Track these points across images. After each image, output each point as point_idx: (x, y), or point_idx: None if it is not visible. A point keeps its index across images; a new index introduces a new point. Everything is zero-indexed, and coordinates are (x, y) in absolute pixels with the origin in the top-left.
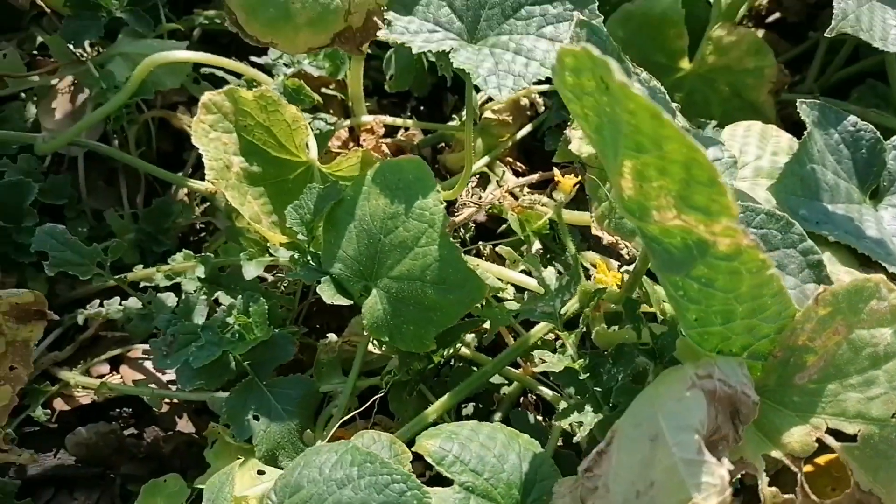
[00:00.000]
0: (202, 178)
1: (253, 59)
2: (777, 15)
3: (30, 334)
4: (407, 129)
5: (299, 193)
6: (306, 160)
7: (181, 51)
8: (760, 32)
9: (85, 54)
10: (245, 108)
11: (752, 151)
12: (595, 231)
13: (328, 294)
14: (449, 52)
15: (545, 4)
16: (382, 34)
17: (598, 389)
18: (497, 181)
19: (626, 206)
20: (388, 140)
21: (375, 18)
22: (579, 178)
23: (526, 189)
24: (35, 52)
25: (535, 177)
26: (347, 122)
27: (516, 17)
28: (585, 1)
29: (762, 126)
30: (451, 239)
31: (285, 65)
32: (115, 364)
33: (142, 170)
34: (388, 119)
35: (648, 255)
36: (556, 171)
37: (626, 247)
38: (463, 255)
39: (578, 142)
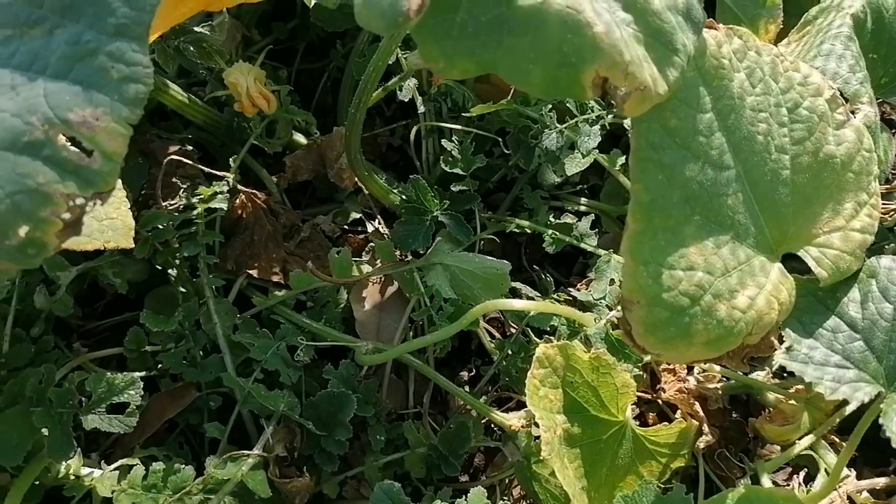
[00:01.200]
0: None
1: (573, 293)
2: None
3: None
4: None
5: (610, 454)
6: (622, 420)
7: (517, 300)
8: None
9: (407, 257)
10: (575, 366)
11: None
12: None
13: None
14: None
15: None
16: (781, 359)
17: None
18: (833, 479)
19: None
20: (691, 383)
21: (772, 338)
22: None
23: (865, 493)
24: (346, 227)
25: (881, 481)
26: (647, 358)
27: None
28: None
29: None
30: None
31: (608, 307)
32: None
33: (439, 383)
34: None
35: None
36: None
37: None
38: None
39: None
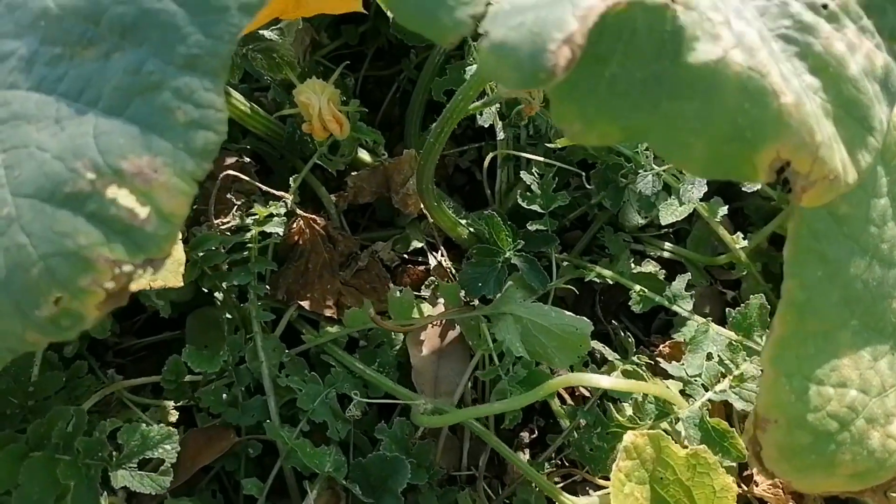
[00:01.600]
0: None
1: (662, 363)
2: None
3: None
4: None
5: None
6: None
7: (604, 377)
8: None
9: (475, 303)
10: (668, 460)
11: None
12: None
13: None
14: None
15: None
16: None
17: None
18: None
19: None
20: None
21: None
22: None
23: None
24: (405, 256)
25: None
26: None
27: None
28: None
29: None
30: None
31: (703, 386)
32: None
33: (499, 451)
34: None
35: None
36: None
37: None
38: None
39: None
